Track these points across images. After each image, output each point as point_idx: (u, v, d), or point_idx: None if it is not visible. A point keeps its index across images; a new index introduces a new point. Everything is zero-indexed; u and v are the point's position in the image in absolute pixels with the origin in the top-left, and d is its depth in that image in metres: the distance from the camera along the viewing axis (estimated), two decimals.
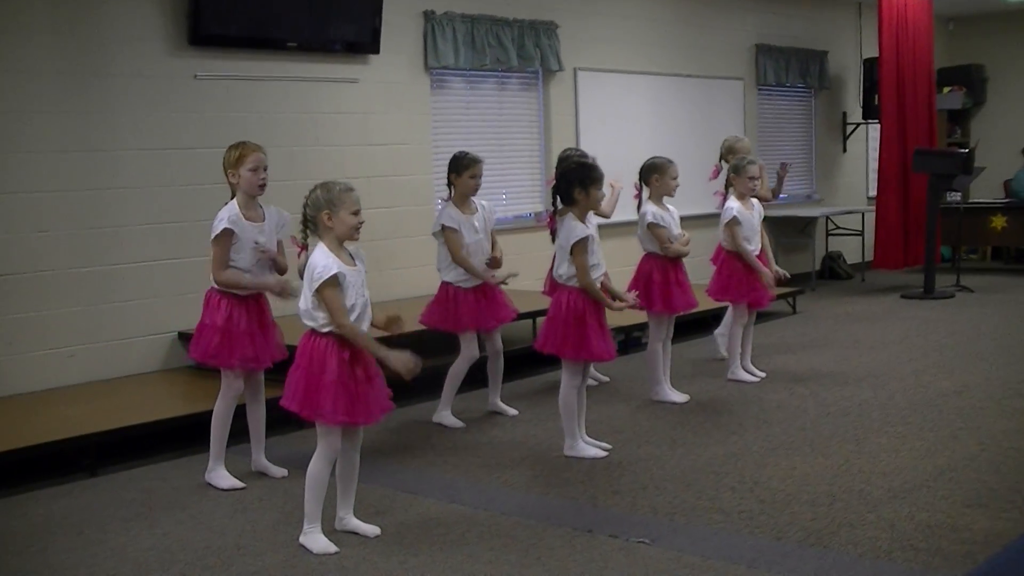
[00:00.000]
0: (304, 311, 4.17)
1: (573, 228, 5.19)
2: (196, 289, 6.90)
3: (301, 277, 4.22)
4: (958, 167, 10.54)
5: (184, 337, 6.80)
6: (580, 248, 5.17)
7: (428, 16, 8.20)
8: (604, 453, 5.40)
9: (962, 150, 11.53)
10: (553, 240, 5.33)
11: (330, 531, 4.34)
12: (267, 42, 7.24)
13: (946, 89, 13.65)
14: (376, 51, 7.82)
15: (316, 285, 4.07)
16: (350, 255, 4.22)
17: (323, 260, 4.10)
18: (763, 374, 7.09)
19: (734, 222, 6.74)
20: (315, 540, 4.24)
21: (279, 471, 5.25)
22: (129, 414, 5.73)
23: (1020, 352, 7.70)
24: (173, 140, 6.83)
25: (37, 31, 6.25)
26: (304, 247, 4.23)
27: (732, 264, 6.84)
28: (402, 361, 4.17)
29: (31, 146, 6.24)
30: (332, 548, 4.21)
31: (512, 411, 6.30)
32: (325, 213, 4.13)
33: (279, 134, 7.33)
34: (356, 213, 4.16)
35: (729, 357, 7.06)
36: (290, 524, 4.52)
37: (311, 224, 4.19)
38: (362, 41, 7.74)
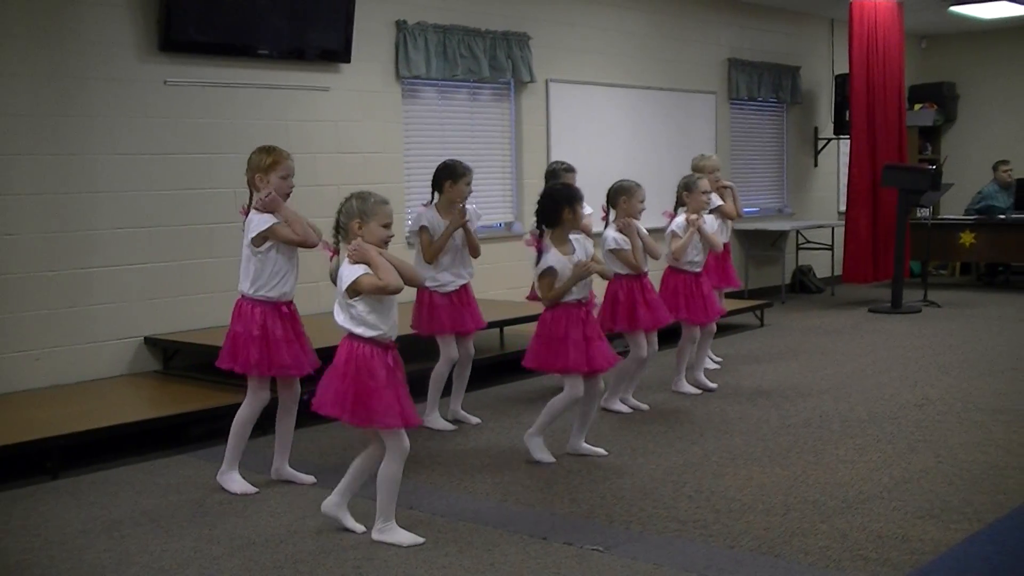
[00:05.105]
0: (342, 320, 4.25)
1: (546, 258, 5.27)
2: (166, 294, 6.96)
3: (332, 280, 4.29)
4: (927, 183, 10.66)
5: (151, 342, 6.82)
6: (547, 275, 5.27)
7: (400, 25, 8.24)
8: (551, 460, 5.49)
9: (931, 166, 11.66)
10: (538, 262, 5.33)
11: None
12: (238, 49, 7.27)
13: (917, 106, 13.81)
14: (348, 60, 7.86)
15: (347, 285, 4.16)
16: None
17: (349, 271, 4.18)
18: (714, 386, 7.14)
19: (673, 235, 6.79)
20: (399, 535, 4.33)
21: (307, 478, 5.20)
22: (93, 417, 5.74)
23: (983, 366, 7.80)
24: (145, 145, 6.85)
25: (9, 35, 6.26)
26: (336, 252, 4.31)
27: (675, 281, 6.87)
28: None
29: (1, 148, 6.24)
30: (419, 540, 4.31)
31: (474, 419, 6.33)
32: (356, 222, 4.23)
33: (250, 141, 7.25)
34: (387, 226, 4.26)
35: (676, 369, 7.10)
36: (248, 528, 4.55)
37: (343, 231, 4.28)
38: (334, 49, 7.77)
